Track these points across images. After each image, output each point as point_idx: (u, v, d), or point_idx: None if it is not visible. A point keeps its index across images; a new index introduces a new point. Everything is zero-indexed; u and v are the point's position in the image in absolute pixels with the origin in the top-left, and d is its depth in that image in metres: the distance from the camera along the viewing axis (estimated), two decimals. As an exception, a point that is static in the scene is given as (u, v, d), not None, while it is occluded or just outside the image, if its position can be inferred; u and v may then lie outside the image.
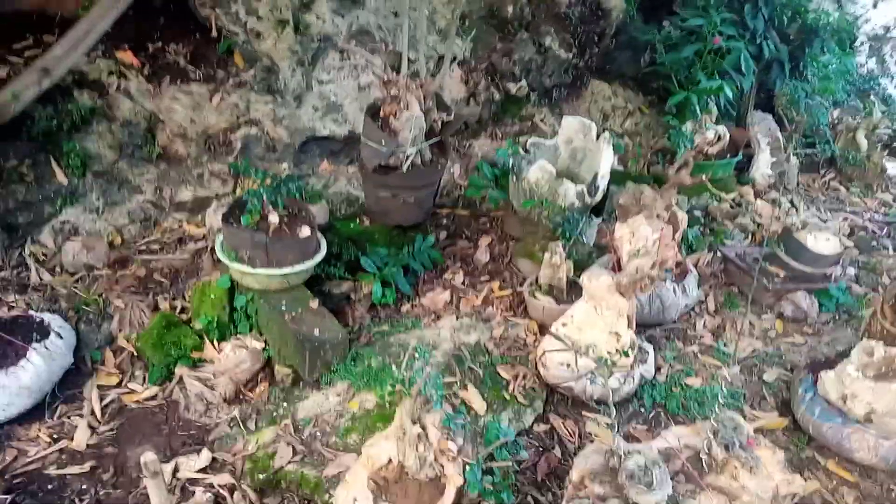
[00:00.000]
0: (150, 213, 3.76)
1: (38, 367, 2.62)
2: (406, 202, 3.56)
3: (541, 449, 2.65)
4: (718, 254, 3.99)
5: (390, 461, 2.04)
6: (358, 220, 3.73)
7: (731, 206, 4.71)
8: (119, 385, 2.88)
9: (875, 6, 6.74)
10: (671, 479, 1.93)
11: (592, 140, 3.73)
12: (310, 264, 2.99)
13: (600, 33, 5.18)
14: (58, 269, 3.36)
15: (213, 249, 3.38)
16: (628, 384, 2.79)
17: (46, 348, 2.70)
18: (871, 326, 3.03)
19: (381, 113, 3.38)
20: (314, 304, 2.99)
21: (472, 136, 4.86)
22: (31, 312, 2.93)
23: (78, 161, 3.53)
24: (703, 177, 3.74)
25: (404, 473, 2.01)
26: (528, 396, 2.84)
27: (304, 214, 3.07)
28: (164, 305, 3.22)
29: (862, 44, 6.94)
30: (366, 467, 2.05)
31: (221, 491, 2.42)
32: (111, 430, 2.67)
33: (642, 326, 3.06)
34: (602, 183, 3.49)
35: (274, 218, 2.93)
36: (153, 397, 2.84)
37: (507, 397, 2.81)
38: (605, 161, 3.53)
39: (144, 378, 2.91)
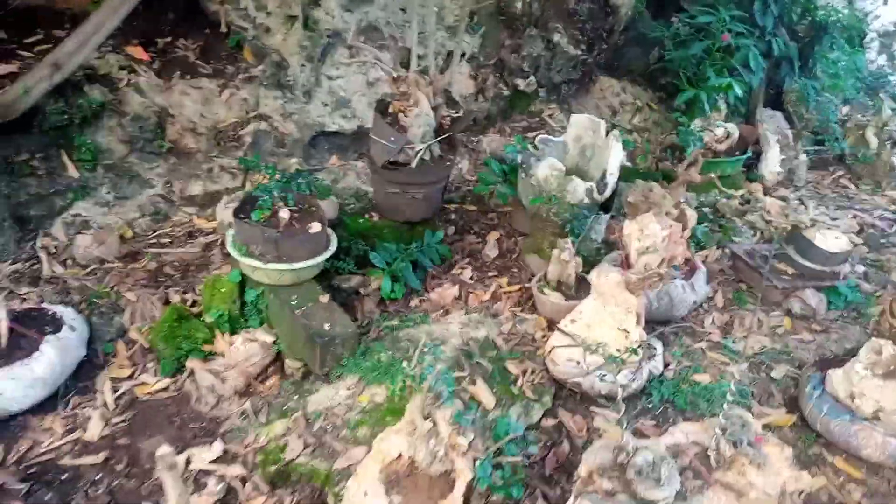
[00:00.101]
0: (160, 207, 3.78)
1: (51, 358, 2.65)
2: (415, 198, 3.57)
3: (549, 444, 2.66)
4: (727, 251, 3.99)
5: (401, 455, 2.05)
6: (367, 216, 3.74)
7: (740, 204, 4.70)
8: (131, 377, 2.91)
9: (885, 3, 6.70)
10: (679, 475, 1.95)
11: (601, 137, 3.72)
12: (320, 260, 3.01)
13: (609, 29, 5.17)
14: (69, 261, 3.39)
15: (223, 243, 3.40)
16: (637, 380, 2.80)
17: (59, 340, 2.72)
18: (879, 324, 3.03)
19: (391, 109, 3.40)
20: (324, 298, 3.00)
21: (481, 131, 4.87)
22: (45, 305, 2.96)
23: (89, 155, 3.56)
24: (712, 174, 3.75)
25: (415, 468, 2.03)
26: (537, 392, 2.85)
27: (315, 210, 3.08)
28: (175, 299, 3.24)
29: (872, 40, 6.90)
30: (377, 461, 2.07)
31: (233, 482, 2.45)
32: (124, 421, 2.70)
33: (651, 323, 3.07)
34: (611, 180, 3.48)
35: (284, 214, 2.95)
36: (165, 389, 2.86)
37: (516, 392, 2.82)
38: (614, 158, 3.52)
39: (156, 370, 2.93)
